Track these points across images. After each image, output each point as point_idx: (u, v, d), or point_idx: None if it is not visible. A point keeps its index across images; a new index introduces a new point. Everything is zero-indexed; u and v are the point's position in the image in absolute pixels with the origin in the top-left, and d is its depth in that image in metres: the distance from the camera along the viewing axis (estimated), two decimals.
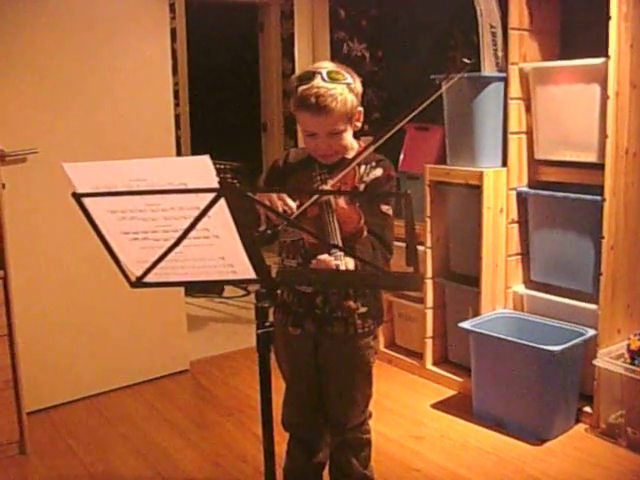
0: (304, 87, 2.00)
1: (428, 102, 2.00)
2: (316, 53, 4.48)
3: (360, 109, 2.10)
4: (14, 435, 2.95)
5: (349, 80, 2.04)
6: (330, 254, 1.84)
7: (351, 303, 2.08)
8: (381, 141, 2.01)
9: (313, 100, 1.97)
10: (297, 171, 2.14)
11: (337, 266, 1.81)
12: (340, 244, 1.90)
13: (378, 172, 2.11)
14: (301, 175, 2.12)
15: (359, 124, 2.12)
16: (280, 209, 1.90)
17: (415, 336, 3.86)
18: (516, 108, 3.31)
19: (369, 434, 2.37)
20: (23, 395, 2.94)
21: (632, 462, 2.81)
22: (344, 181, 2.05)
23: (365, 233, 2.00)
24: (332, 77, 2.00)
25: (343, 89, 2.01)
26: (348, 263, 1.85)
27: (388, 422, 3.20)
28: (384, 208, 2.07)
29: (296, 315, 2.18)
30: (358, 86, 2.08)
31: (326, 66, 2.05)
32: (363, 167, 2.10)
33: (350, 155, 2.12)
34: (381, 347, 3.95)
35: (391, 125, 1.99)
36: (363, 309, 2.16)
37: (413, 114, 1.99)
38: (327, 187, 2.02)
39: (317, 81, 1.99)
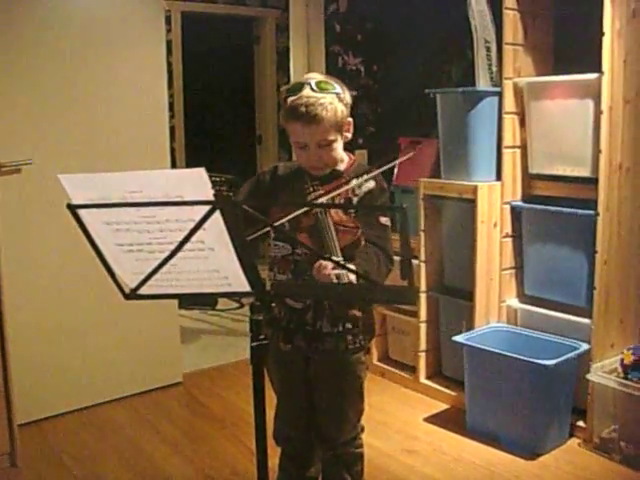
0: (293, 97, 2.01)
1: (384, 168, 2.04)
2: (311, 66, 4.50)
3: (350, 120, 2.10)
4: (5, 447, 2.93)
5: (338, 90, 2.05)
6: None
7: (355, 312, 2.08)
8: (371, 174, 2.05)
9: (303, 109, 1.98)
10: (288, 184, 2.13)
11: (337, 275, 1.82)
12: (339, 253, 1.90)
13: (371, 184, 2.11)
14: (292, 188, 2.11)
15: (349, 135, 2.12)
16: None
17: (408, 350, 3.86)
18: (510, 122, 3.33)
19: (361, 448, 2.36)
20: (14, 407, 2.92)
21: (625, 477, 2.81)
22: (337, 194, 2.05)
23: (362, 242, 2.01)
24: (321, 87, 2.01)
25: (333, 98, 2.02)
26: (349, 273, 1.86)
27: (381, 436, 3.19)
28: (383, 220, 2.08)
29: (286, 331, 2.16)
30: (347, 97, 2.08)
31: (315, 77, 2.06)
32: (354, 180, 2.09)
33: (341, 167, 2.13)
34: (374, 360, 3.95)
35: (384, 162, 2.02)
36: (354, 324, 2.15)
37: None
38: (320, 196, 2.02)
39: (306, 91, 2.00)
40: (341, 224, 1.99)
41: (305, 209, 1.94)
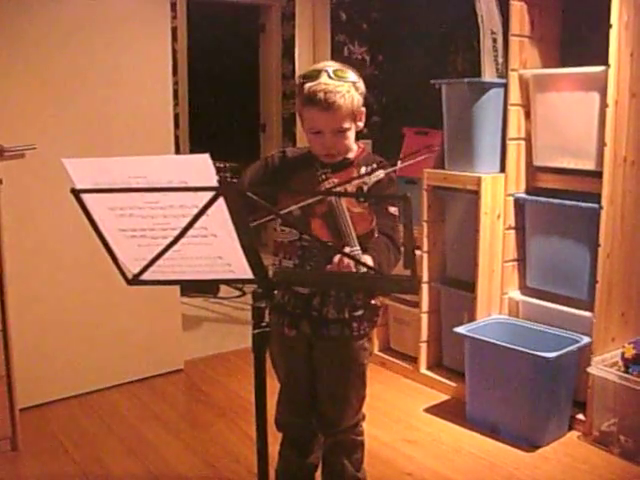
0: (311, 84, 2.01)
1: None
2: (317, 55, 4.49)
3: (363, 109, 2.11)
4: (6, 431, 2.94)
5: (354, 79, 2.07)
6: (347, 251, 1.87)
7: (377, 302, 2.10)
8: (390, 170, 2.08)
9: (322, 96, 1.99)
10: (298, 170, 2.14)
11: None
12: (356, 242, 1.91)
13: (380, 174, 2.11)
14: (304, 175, 2.11)
15: (361, 124, 2.13)
16: None
17: (410, 340, 3.86)
18: (515, 114, 3.32)
19: (362, 436, 2.37)
20: (16, 391, 2.94)
21: (624, 470, 2.82)
22: (349, 182, 2.06)
23: (376, 234, 2.02)
24: (338, 75, 2.03)
25: (350, 87, 2.03)
26: (367, 260, 1.87)
27: (381, 425, 3.20)
28: (392, 209, 2.09)
29: (292, 316, 2.17)
30: (362, 86, 2.10)
31: (331, 65, 2.08)
32: (364, 169, 2.11)
33: (351, 156, 2.13)
34: (375, 350, 3.95)
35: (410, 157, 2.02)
36: (359, 312, 2.16)
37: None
38: (332, 184, 2.03)
39: (324, 78, 2.01)
40: (357, 213, 2.00)
41: (319, 198, 1.95)
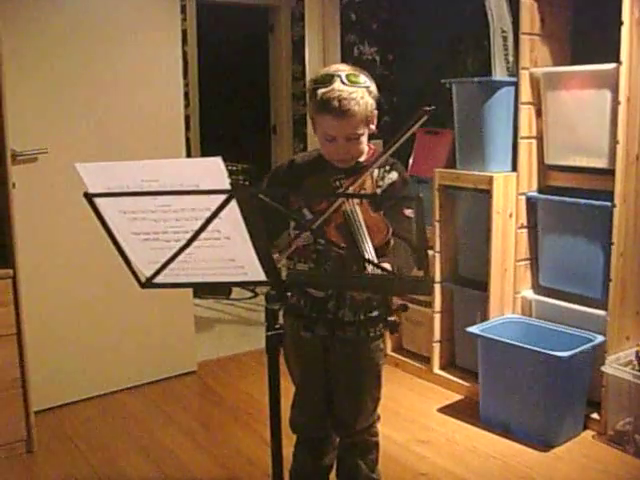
0: (325, 90, 1.98)
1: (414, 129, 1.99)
2: (327, 56, 4.48)
3: (375, 112, 2.09)
4: (21, 433, 2.96)
5: (368, 83, 2.04)
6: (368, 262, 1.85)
7: (396, 319, 2.10)
8: (393, 149, 2.02)
9: (336, 103, 1.95)
10: (310, 175, 2.12)
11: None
12: (373, 252, 1.89)
13: (394, 175, 2.11)
14: (316, 180, 2.10)
15: (374, 127, 2.10)
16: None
17: (423, 340, 3.86)
18: (526, 113, 3.31)
19: (377, 437, 2.37)
20: (31, 394, 2.95)
21: (639, 469, 2.80)
22: (362, 186, 2.04)
23: (392, 243, 2.00)
24: (351, 80, 1.99)
25: (363, 92, 2.00)
26: (387, 267, 1.85)
27: (395, 426, 3.19)
28: (407, 212, 2.06)
29: (308, 319, 2.17)
30: (374, 89, 2.07)
31: (344, 69, 2.04)
32: (377, 170, 2.09)
33: (363, 159, 2.12)
34: (388, 351, 3.94)
35: (400, 135, 1.98)
36: (374, 312, 2.16)
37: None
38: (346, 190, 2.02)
39: (337, 84, 1.97)
40: (373, 224, 1.97)
41: (335, 207, 1.93)
